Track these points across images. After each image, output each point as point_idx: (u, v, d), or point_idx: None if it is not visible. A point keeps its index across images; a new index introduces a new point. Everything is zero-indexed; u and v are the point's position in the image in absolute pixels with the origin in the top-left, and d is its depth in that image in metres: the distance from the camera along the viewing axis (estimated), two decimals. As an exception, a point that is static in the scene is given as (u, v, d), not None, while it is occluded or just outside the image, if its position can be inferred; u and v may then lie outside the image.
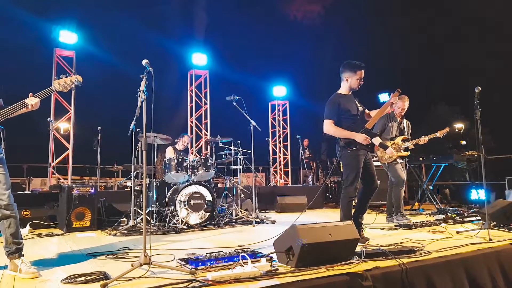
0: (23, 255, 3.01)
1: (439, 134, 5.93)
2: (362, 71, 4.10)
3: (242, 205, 6.92)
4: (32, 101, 2.93)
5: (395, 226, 5.19)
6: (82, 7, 12.51)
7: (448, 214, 5.94)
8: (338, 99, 4.13)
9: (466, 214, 5.94)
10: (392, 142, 5.83)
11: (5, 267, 3.06)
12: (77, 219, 5.29)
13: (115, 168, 8.88)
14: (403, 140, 5.80)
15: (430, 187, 7.66)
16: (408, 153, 5.84)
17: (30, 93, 2.96)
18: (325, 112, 4.15)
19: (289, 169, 13.55)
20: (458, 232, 4.41)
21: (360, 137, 3.97)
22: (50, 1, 12.61)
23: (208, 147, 8.69)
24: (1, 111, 2.91)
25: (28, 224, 5.26)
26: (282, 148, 13.59)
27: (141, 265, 2.79)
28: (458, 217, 5.68)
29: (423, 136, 5.85)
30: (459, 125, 18.71)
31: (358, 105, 4.20)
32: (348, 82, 4.14)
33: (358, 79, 4.10)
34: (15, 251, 2.99)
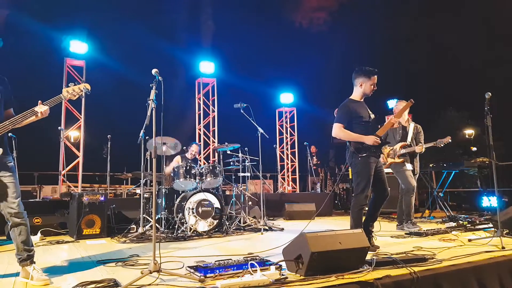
0: (34, 262, 3.04)
1: (437, 143, 5.75)
2: (376, 76, 4.11)
3: (250, 213, 6.90)
4: (42, 109, 2.97)
5: (405, 234, 5.13)
6: (92, 17, 12.69)
7: (460, 221, 5.87)
8: (350, 104, 4.13)
9: (478, 222, 5.86)
10: (391, 148, 5.79)
11: (17, 274, 3.09)
12: (87, 227, 5.32)
13: (124, 176, 8.92)
14: (402, 147, 5.75)
15: (441, 194, 7.58)
16: (402, 160, 5.74)
17: (39, 101, 3.00)
18: (336, 116, 4.16)
19: (297, 176, 13.52)
20: (470, 240, 4.35)
21: (369, 139, 3.94)
22: (61, 11, 12.82)
23: (216, 154, 8.71)
24: (11, 119, 2.96)
25: (39, 232, 5.31)
26: (289, 155, 13.57)
27: (150, 272, 2.80)
28: (469, 225, 5.59)
29: (421, 144, 5.77)
30: (469, 131, 18.53)
31: (370, 112, 4.19)
32: (362, 88, 4.13)
33: (372, 84, 4.11)
34: (27, 258, 3.01)
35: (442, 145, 5.76)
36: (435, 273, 2.95)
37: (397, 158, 5.72)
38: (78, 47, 9.12)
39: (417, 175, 5.96)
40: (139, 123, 3.29)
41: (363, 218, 4.10)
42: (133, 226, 5.71)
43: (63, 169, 8.79)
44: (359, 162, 4.01)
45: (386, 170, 5.97)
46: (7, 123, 2.93)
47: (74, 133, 9.47)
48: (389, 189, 4.17)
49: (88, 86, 3.23)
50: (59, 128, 8.63)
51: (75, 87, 3.17)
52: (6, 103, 3.09)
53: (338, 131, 4.09)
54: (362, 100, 4.22)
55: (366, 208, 4.16)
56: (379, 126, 4.17)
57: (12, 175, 3.02)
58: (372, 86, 4.12)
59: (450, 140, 5.77)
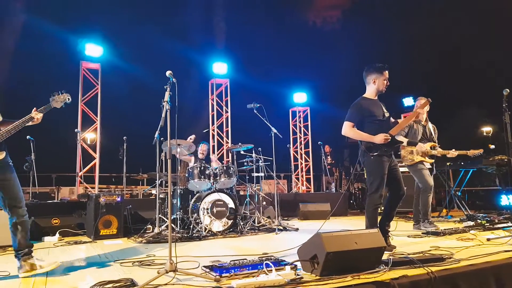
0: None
1: (469, 153, 5.80)
2: (387, 71, 4.08)
3: (264, 213, 6.91)
4: (38, 115, 3.26)
5: (422, 233, 5.07)
6: (107, 20, 12.84)
7: (478, 220, 5.76)
8: (362, 102, 4.10)
9: (496, 221, 5.74)
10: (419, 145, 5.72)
11: (15, 276, 3.14)
12: (104, 227, 5.40)
13: (140, 177, 9.04)
14: (431, 147, 5.68)
15: (458, 193, 7.46)
16: (432, 160, 5.71)
17: (34, 108, 3.28)
18: (347, 114, 4.12)
19: (311, 176, 13.47)
20: (488, 239, 4.27)
21: (378, 138, 3.89)
22: (76, 15, 13.02)
23: (230, 154, 8.75)
24: (12, 125, 3.18)
25: (57, 232, 5.41)
26: (303, 155, 13.53)
27: (167, 272, 2.82)
28: (488, 224, 5.49)
29: (453, 150, 5.71)
30: (487, 129, 18.18)
31: (385, 110, 4.13)
32: (376, 84, 4.09)
33: (384, 79, 4.07)
34: (28, 252, 3.15)
35: (472, 155, 5.80)
36: (452, 273, 2.91)
37: (428, 158, 5.64)
38: (94, 50, 9.27)
39: (434, 173, 5.89)
40: (154, 125, 3.33)
41: (379, 218, 4.06)
42: (149, 226, 5.78)
43: (80, 171, 8.93)
44: (371, 161, 3.98)
45: (402, 169, 5.92)
46: (10, 128, 3.17)
47: (91, 135, 9.63)
48: (405, 188, 4.11)
49: (69, 97, 3.52)
50: (75, 130, 8.78)
51: (60, 97, 3.46)
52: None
53: (347, 129, 4.07)
54: (376, 98, 4.16)
55: (382, 208, 4.12)
56: (392, 124, 4.11)
57: (15, 175, 3.27)
58: (385, 82, 4.07)
59: (482, 152, 5.77)
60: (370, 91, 4.16)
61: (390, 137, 3.93)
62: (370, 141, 3.94)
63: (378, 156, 3.94)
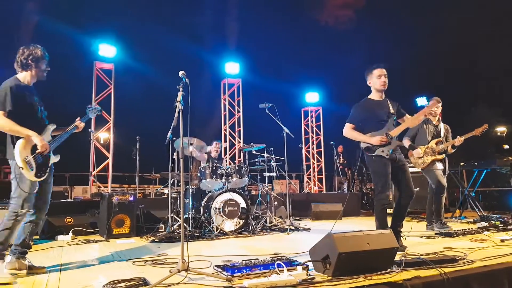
0: None
1: (475, 132, 5.60)
2: (378, 69, 4.10)
3: (276, 212, 6.91)
4: (81, 124, 3.65)
5: (435, 234, 5.02)
6: (120, 20, 12.97)
7: (492, 221, 5.68)
8: (365, 104, 4.19)
9: (510, 222, 5.66)
10: (426, 146, 5.67)
11: (49, 268, 3.20)
12: (117, 226, 5.46)
13: (153, 176, 9.11)
14: (437, 143, 5.62)
15: (472, 194, 7.36)
16: (443, 156, 5.64)
17: (78, 118, 3.66)
18: (349, 115, 4.24)
19: (323, 176, 13.41)
20: (502, 241, 4.22)
21: (374, 139, 3.95)
22: (90, 16, 13.17)
23: (242, 154, 8.77)
24: (62, 132, 3.54)
25: (70, 231, 5.48)
26: (315, 155, 13.49)
27: (179, 271, 2.85)
28: (502, 225, 5.41)
29: (458, 137, 5.61)
30: (501, 129, 17.91)
31: (391, 110, 4.11)
32: (372, 85, 4.18)
33: (377, 77, 4.10)
34: (25, 252, 3.26)
35: (479, 133, 5.60)
36: (466, 274, 2.88)
37: (438, 154, 5.59)
38: (107, 50, 9.36)
39: (447, 174, 5.82)
40: (166, 125, 3.35)
41: (390, 218, 4.06)
42: (162, 225, 5.83)
43: (94, 170, 9.04)
44: (372, 161, 4.04)
45: (415, 170, 5.88)
46: (62, 133, 3.52)
47: (104, 135, 9.73)
48: (414, 188, 4.12)
49: (100, 110, 3.99)
50: (89, 130, 8.87)
51: (94, 108, 3.89)
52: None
53: (346, 131, 4.21)
54: (382, 98, 4.19)
55: (392, 208, 4.10)
56: (394, 125, 4.11)
57: (52, 180, 3.52)
58: (380, 80, 4.10)
59: (487, 127, 5.60)
60: (373, 92, 4.24)
61: (389, 138, 3.95)
62: (367, 142, 4.00)
63: (378, 156, 3.97)
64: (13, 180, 3.16)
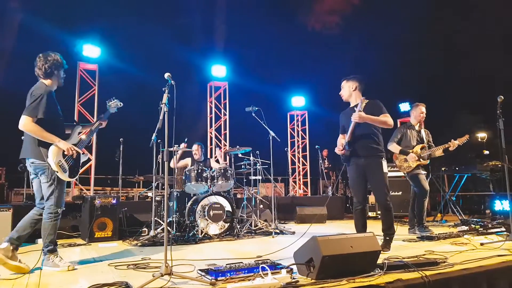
0: None
1: (459, 142, 5.66)
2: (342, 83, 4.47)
3: (261, 216, 6.91)
4: (104, 122, 4.07)
5: (417, 237, 5.10)
6: (104, 21, 12.84)
7: (472, 225, 5.80)
8: (341, 114, 4.53)
9: (490, 226, 5.78)
10: (411, 150, 5.75)
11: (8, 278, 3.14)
12: (99, 229, 5.38)
13: (136, 179, 9.01)
14: (422, 149, 5.72)
15: (453, 198, 7.49)
16: (428, 161, 5.74)
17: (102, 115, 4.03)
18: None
19: (308, 180, 13.47)
20: (482, 244, 4.31)
21: (336, 148, 4.33)
22: (74, 16, 13.00)
23: (227, 157, 8.75)
24: (88, 130, 3.89)
25: (52, 234, 5.37)
26: (301, 159, 13.54)
27: (162, 275, 2.82)
28: (482, 229, 5.53)
29: (452, 140, 5.64)
30: (482, 135, 18.30)
31: (352, 119, 4.26)
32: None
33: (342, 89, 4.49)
34: (17, 248, 3.40)
35: (461, 143, 5.65)
36: (447, 277, 2.93)
37: (423, 160, 5.67)
38: (91, 51, 9.24)
39: (429, 178, 5.92)
40: (151, 127, 3.33)
41: (362, 221, 4.29)
42: (145, 229, 5.76)
43: (76, 172, 8.88)
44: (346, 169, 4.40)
45: (398, 174, 5.95)
46: (87, 133, 3.90)
47: (87, 137, 9.59)
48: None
49: (120, 103, 4.17)
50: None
51: (113, 102, 4.10)
52: None
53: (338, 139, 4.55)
54: (353, 106, 4.34)
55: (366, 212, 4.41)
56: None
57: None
58: (341, 92, 4.47)
59: (468, 138, 5.70)
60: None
61: (344, 147, 4.23)
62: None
63: (346, 165, 4.32)
64: (44, 184, 3.40)
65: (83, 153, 3.65)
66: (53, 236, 3.44)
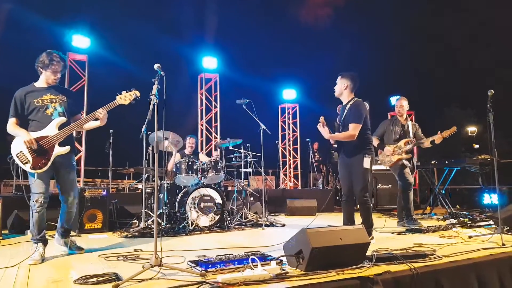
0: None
1: (444, 134, 5.65)
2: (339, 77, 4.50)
3: (252, 208, 6.92)
4: (102, 112, 3.68)
5: (406, 230, 5.14)
6: (95, 11, 12.68)
7: (460, 218, 5.88)
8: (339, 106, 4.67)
9: (478, 219, 5.87)
10: (394, 145, 5.80)
11: None
12: (89, 221, 5.35)
13: (126, 171, 8.95)
14: (406, 143, 5.75)
15: (442, 191, 7.58)
16: (410, 155, 5.77)
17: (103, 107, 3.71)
18: None
19: (299, 173, 13.53)
20: (470, 237, 4.36)
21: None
22: (63, 6, 12.80)
23: (218, 150, 8.72)
24: (76, 122, 3.70)
25: (41, 226, 5.32)
26: (292, 151, 13.58)
27: (152, 266, 2.81)
28: (470, 222, 5.61)
29: (439, 132, 5.65)
30: (472, 129, 18.51)
31: (344, 114, 4.40)
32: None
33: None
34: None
35: (448, 136, 5.67)
36: (435, 269, 2.96)
37: (404, 153, 5.72)
38: (81, 41, 9.12)
39: (415, 171, 5.97)
40: (141, 118, 3.30)
41: (347, 212, 4.38)
42: (135, 220, 5.74)
43: (66, 164, 8.79)
44: None
45: (383, 167, 5.99)
46: (72, 125, 3.65)
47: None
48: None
49: (138, 93, 3.81)
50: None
51: (126, 94, 3.77)
52: (72, 112, 3.86)
53: None
54: (345, 105, 4.44)
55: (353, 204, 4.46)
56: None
57: (74, 173, 3.93)
58: (334, 87, 4.54)
59: (455, 131, 5.72)
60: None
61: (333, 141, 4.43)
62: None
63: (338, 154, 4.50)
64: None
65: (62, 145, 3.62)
66: (33, 227, 3.62)
